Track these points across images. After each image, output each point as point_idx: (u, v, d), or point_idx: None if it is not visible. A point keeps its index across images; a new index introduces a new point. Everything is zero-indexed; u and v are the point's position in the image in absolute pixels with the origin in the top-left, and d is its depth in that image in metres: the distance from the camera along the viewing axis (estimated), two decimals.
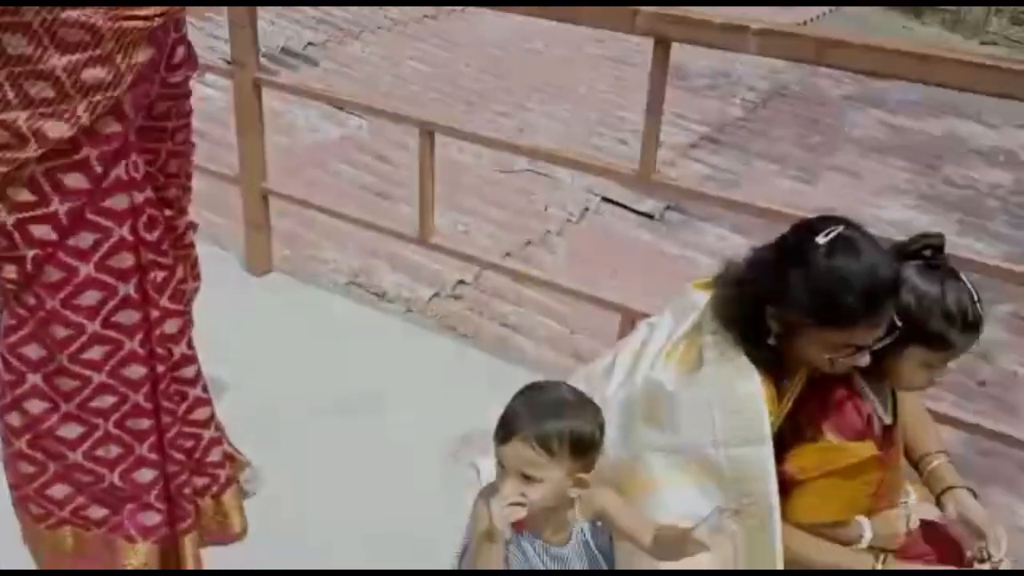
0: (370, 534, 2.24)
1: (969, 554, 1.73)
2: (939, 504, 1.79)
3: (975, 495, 1.78)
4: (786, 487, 1.65)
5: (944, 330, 1.60)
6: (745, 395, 1.59)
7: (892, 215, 4.81)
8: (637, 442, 1.71)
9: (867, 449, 1.66)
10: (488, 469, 1.60)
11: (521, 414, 1.53)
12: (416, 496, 2.35)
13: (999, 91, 1.94)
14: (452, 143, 4.58)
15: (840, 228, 1.53)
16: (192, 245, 1.92)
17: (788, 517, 1.66)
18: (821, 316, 1.52)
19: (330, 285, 3.71)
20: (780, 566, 1.60)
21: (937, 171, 5.35)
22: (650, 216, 4.64)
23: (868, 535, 1.75)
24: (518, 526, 1.58)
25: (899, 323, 1.56)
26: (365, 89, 5.52)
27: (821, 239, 1.52)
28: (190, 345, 1.84)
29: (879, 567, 1.72)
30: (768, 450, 1.58)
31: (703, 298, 1.73)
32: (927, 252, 1.64)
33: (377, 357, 2.93)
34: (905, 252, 1.65)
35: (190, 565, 1.86)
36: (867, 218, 4.63)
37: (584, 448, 1.55)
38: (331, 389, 2.74)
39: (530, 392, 1.58)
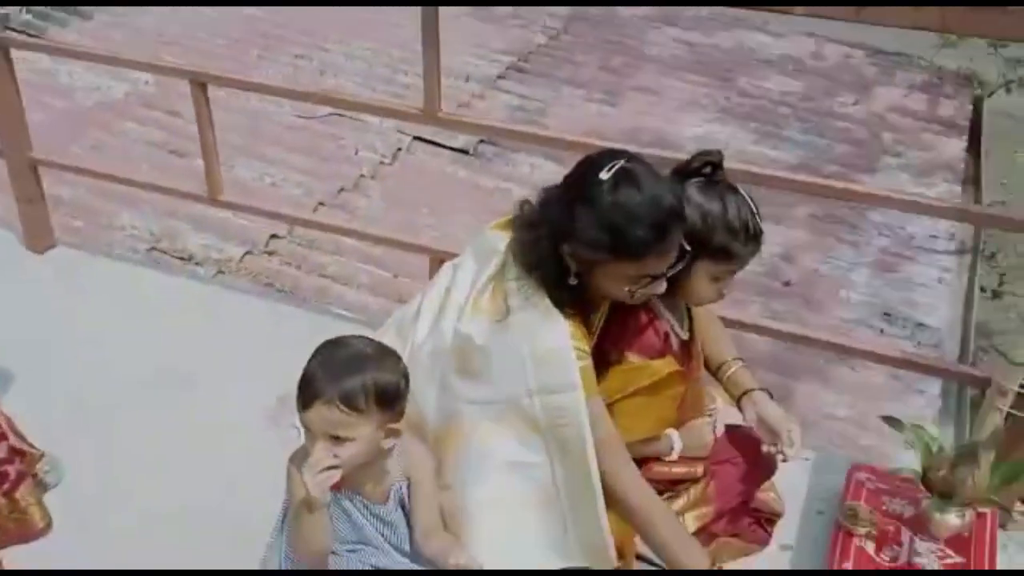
0: (187, 510, 2.13)
1: (765, 449, 1.84)
2: (739, 408, 1.88)
3: (771, 395, 1.89)
4: None
5: (728, 243, 1.66)
6: (552, 342, 1.60)
7: (694, 130, 4.97)
8: (453, 395, 1.70)
9: (667, 365, 1.72)
10: None
11: (320, 376, 1.48)
12: (234, 466, 2.26)
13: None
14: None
15: (621, 162, 1.54)
16: None
17: None
18: (612, 250, 1.54)
19: (129, 254, 3.48)
20: (601, 504, 1.63)
21: (732, 83, 5.56)
22: (464, 151, 4.60)
23: (678, 446, 1.83)
24: (336, 486, 1.54)
25: (687, 247, 1.60)
26: (148, 40, 5.14)
27: (604, 175, 1.52)
28: None
29: (716, 567, 1.79)
30: (579, 395, 1.60)
31: (502, 239, 1.71)
32: (707, 170, 1.69)
33: (186, 324, 2.78)
34: (686, 171, 1.69)
35: None
36: (671, 135, 4.80)
37: (390, 399, 1.52)
38: (137, 364, 2.57)
39: (326, 350, 1.53)
